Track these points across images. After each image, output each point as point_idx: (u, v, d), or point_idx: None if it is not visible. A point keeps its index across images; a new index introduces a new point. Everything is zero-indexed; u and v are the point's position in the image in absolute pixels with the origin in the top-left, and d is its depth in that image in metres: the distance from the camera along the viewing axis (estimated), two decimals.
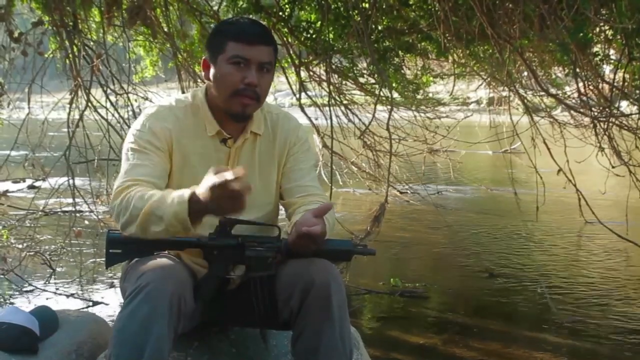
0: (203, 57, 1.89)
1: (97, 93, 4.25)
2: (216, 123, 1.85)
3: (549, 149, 4.65)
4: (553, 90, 5.26)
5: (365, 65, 5.63)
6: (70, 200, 4.36)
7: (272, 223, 1.90)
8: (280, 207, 2.03)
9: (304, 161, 1.97)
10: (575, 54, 4.00)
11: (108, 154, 4.11)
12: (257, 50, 1.78)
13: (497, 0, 3.95)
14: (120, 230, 1.70)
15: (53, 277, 4.46)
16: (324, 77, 5.42)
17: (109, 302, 4.00)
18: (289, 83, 5.56)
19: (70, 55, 4.07)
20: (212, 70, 1.83)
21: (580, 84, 4.46)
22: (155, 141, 1.79)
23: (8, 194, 4.75)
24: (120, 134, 3.98)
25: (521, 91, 5.18)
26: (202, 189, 1.53)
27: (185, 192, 1.57)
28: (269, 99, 2.06)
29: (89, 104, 4.08)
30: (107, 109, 4.21)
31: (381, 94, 4.91)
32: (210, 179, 1.50)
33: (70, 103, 4.18)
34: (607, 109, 4.55)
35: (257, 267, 1.77)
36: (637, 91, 4.69)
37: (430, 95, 6.99)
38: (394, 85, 5.47)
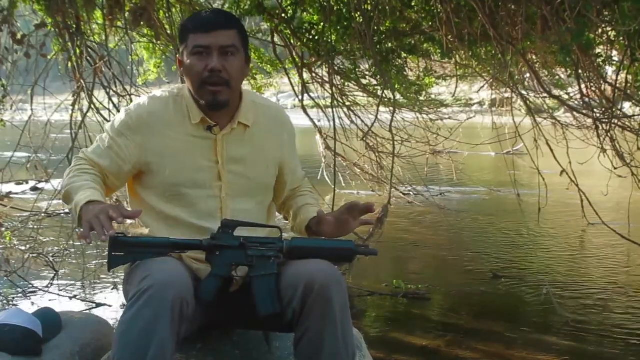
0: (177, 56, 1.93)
1: (99, 95, 4.26)
2: (200, 111, 1.86)
3: (551, 150, 4.65)
4: (555, 92, 5.25)
5: (367, 66, 5.63)
6: None
7: (267, 216, 1.99)
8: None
9: (293, 152, 2.06)
10: (577, 55, 4.00)
11: None
12: (215, 36, 1.79)
13: (500, 2, 3.95)
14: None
15: (56, 278, 4.46)
16: (326, 79, 5.42)
17: (112, 304, 4.00)
18: (291, 84, 5.57)
19: (73, 57, 4.08)
20: (183, 66, 1.86)
21: (583, 86, 4.46)
22: (133, 124, 1.85)
23: (11, 196, 4.75)
24: None
25: (524, 92, 5.18)
26: (88, 212, 1.64)
27: (81, 201, 1.68)
28: (271, 99, 2.09)
29: (92, 106, 4.09)
30: (109, 111, 4.22)
31: (384, 95, 4.91)
32: (97, 218, 1.61)
33: (73, 105, 4.19)
34: (609, 111, 4.54)
35: (260, 267, 1.77)
36: None
37: (433, 96, 6.99)
38: (396, 86, 5.47)
